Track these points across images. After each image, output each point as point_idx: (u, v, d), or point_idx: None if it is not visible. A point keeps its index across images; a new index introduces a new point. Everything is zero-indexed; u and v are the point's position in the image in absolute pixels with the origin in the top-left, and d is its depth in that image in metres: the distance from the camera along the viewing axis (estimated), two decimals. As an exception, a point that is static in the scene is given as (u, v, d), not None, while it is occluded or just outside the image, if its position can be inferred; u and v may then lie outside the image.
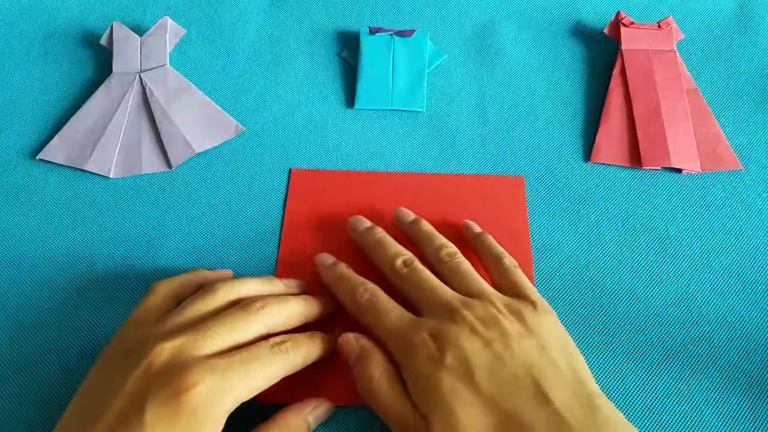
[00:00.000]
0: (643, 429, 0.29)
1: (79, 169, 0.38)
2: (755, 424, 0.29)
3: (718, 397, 0.30)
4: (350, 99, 0.42)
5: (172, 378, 0.23)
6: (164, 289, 0.30)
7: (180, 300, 0.30)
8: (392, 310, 0.29)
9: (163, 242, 0.35)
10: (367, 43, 0.43)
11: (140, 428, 0.22)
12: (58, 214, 0.37)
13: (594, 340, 0.32)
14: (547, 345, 0.26)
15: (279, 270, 0.34)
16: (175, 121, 0.39)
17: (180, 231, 0.36)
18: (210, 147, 0.39)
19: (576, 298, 0.33)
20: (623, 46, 0.42)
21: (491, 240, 0.33)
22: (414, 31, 0.44)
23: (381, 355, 0.28)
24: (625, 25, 0.43)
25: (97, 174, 0.38)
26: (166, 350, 0.24)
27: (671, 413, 0.29)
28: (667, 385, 0.30)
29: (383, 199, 0.37)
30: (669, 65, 0.41)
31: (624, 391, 0.30)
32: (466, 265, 0.31)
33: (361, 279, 0.31)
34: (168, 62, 0.42)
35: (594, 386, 0.26)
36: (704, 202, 0.37)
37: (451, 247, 0.32)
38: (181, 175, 0.38)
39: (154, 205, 0.37)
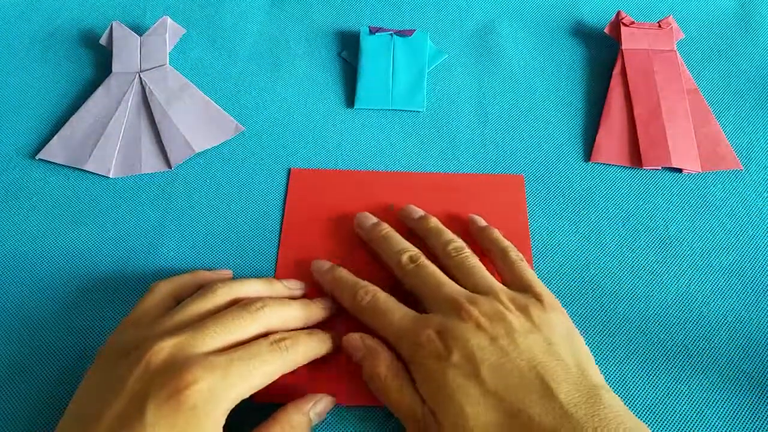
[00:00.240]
0: (644, 429, 0.29)
1: (79, 169, 0.38)
2: (755, 424, 0.29)
3: (718, 397, 0.30)
4: (350, 99, 0.42)
5: (172, 376, 0.23)
6: (163, 290, 0.30)
7: (179, 300, 0.30)
8: (395, 310, 0.29)
9: (163, 242, 0.35)
10: (367, 43, 0.43)
11: (141, 428, 0.22)
12: (58, 214, 0.37)
13: (594, 339, 0.32)
14: (553, 340, 0.26)
15: (279, 270, 0.34)
16: (174, 121, 0.39)
17: (180, 231, 0.36)
18: (210, 147, 0.39)
19: (576, 297, 0.33)
20: (623, 46, 0.42)
21: (497, 234, 0.33)
22: (414, 30, 0.44)
23: (387, 353, 0.28)
24: (625, 25, 0.43)
25: (97, 174, 0.38)
26: (164, 349, 0.24)
27: (672, 413, 0.29)
28: (668, 385, 0.30)
29: (383, 199, 0.37)
30: (669, 65, 0.41)
31: (624, 391, 0.30)
32: (473, 260, 0.31)
33: (361, 281, 0.31)
34: (168, 62, 0.42)
35: (600, 380, 0.26)
36: (704, 202, 0.37)
37: (459, 242, 0.32)
38: (181, 175, 0.38)
39: (154, 205, 0.37)
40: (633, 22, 0.43)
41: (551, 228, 0.36)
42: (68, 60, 0.44)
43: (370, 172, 0.38)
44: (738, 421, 0.29)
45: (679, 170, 0.38)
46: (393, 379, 0.27)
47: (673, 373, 0.31)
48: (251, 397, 0.26)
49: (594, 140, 0.39)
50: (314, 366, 0.29)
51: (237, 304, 0.28)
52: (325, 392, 0.29)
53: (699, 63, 0.43)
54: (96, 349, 0.28)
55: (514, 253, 0.31)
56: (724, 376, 0.30)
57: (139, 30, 0.44)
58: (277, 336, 0.27)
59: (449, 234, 0.32)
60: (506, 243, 0.32)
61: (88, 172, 0.38)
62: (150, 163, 0.38)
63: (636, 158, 0.38)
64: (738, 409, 0.30)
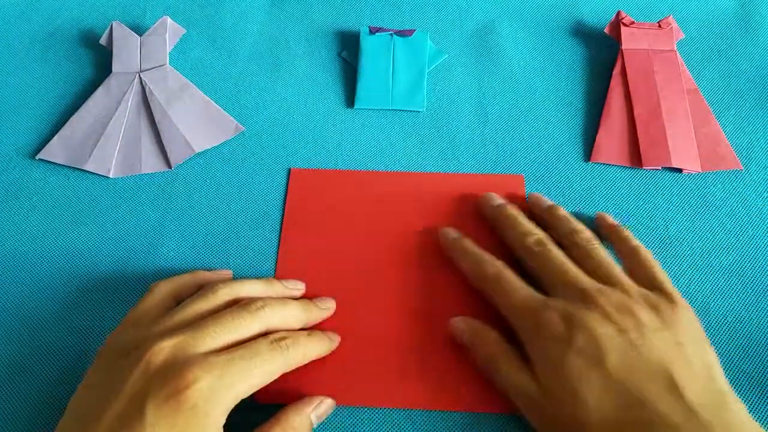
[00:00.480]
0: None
1: (79, 169, 0.38)
2: (755, 425, 0.29)
3: (718, 397, 0.30)
4: (350, 99, 0.42)
5: (172, 376, 0.23)
6: (163, 290, 0.30)
7: (179, 300, 0.30)
8: (520, 288, 0.29)
9: (163, 242, 0.35)
10: (367, 43, 0.43)
11: (141, 428, 0.22)
12: (58, 214, 0.37)
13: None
14: (683, 340, 0.26)
15: (279, 270, 0.34)
16: (175, 121, 0.39)
17: (180, 231, 0.36)
18: (210, 147, 0.39)
19: (576, 298, 0.33)
20: (623, 46, 0.42)
21: (627, 232, 0.33)
22: (414, 30, 0.44)
23: (493, 332, 0.29)
24: (625, 25, 0.43)
25: (97, 174, 0.38)
26: (164, 348, 0.24)
27: (671, 413, 0.29)
28: (668, 386, 0.30)
29: (383, 199, 0.37)
30: (669, 65, 0.41)
31: (624, 392, 0.30)
32: (602, 252, 0.31)
33: (487, 254, 0.31)
34: (168, 62, 0.42)
35: (727, 386, 0.26)
36: (704, 202, 0.37)
37: (588, 233, 0.32)
38: (181, 175, 0.38)
39: (154, 205, 0.37)
40: (633, 22, 0.43)
41: (551, 228, 0.36)
42: (68, 60, 0.44)
43: (370, 172, 0.38)
44: (738, 421, 0.29)
45: (679, 170, 0.38)
46: (504, 359, 0.28)
47: (673, 373, 0.31)
48: (252, 397, 0.26)
49: (594, 140, 0.39)
50: (315, 367, 0.29)
51: (237, 304, 0.28)
52: (325, 393, 0.29)
53: (699, 63, 0.43)
54: (96, 349, 0.28)
55: (644, 252, 0.31)
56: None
57: (139, 30, 0.44)
58: (277, 335, 0.27)
59: (577, 223, 0.32)
60: (637, 241, 0.32)
61: (88, 172, 0.38)
62: (150, 163, 0.38)
63: (636, 158, 0.38)
64: (738, 409, 0.29)
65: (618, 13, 0.43)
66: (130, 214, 0.37)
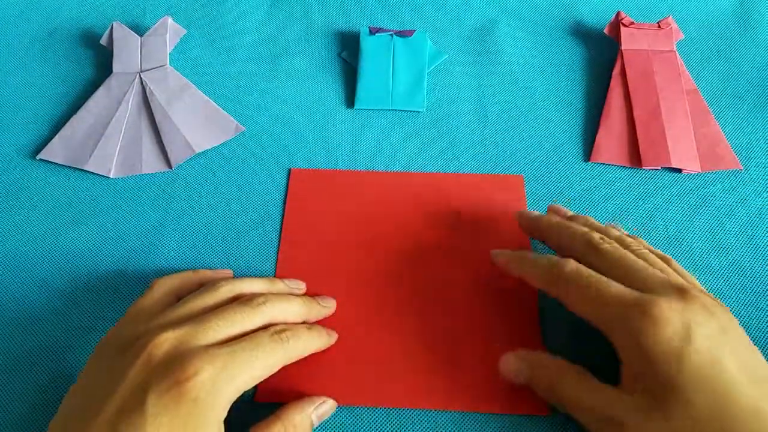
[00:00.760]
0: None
1: (79, 169, 0.38)
2: (755, 424, 0.29)
3: (717, 397, 0.30)
4: (350, 99, 0.42)
5: (173, 368, 0.23)
6: (165, 286, 0.30)
7: (180, 297, 0.30)
8: (608, 283, 0.26)
9: (163, 242, 0.35)
10: (367, 43, 0.43)
11: (142, 420, 0.22)
12: (58, 214, 0.37)
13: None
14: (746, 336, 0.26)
15: (279, 270, 0.34)
16: (175, 121, 0.39)
17: (180, 231, 0.36)
18: (210, 147, 0.39)
19: (576, 298, 0.33)
20: (623, 46, 0.42)
21: (652, 248, 0.31)
22: (414, 31, 0.44)
23: (550, 358, 0.27)
24: (624, 25, 0.43)
25: (97, 174, 0.38)
26: (167, 340, 0.25)
27: (671, 413, 0.29)
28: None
29: (383, 199, 0.37)
30: (669, 65, 0.41)
31: (624, 391, 0.30)
32: (652, 256, 0.29)
33: (555, 256, 0.29)
34: (168, 62, 0.42)
35: None
36: (704, 202, 0.37)
37: (634, 237, 0.31)
38: (181, 175, 0.38)
39: (154, 205, 0.37)
40: (632, 23, 0.43)
41: (551, 228, 0.36)
42: (68, 60, 0.44)
43: (370, 172, 0.38)
44: (737, 421, 0.29)
45: (679, 170, 0.38)
46: (574, 382, 0.26)
47: (672, 373, 0.31)
48: (253, 396, 0.26)
49: (594, 140, 0.39)
50: (315, 366, 0.30)
51: (239, 300, 0.28)
52: (325, 392, 0.29)
53: (698, 63, 0.43)
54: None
55: (675, 263, 0.30)
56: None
57: (139, 30, 0.44)
58: (278, 327, 0.27)
59: (622, 230, 0.32)
60: (664, 254, 0.30)
61: (88, 172, 0.38)
62: (150, 163, 0.38)
63: (636, 158, 0.38)
64: (737, 409, 0.30)
65: (617, 14, 0.43)
66: (130, 214, 0.37)
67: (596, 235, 0.29)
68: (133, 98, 0.41)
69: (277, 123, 0.41)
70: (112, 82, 0.41)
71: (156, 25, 0.43)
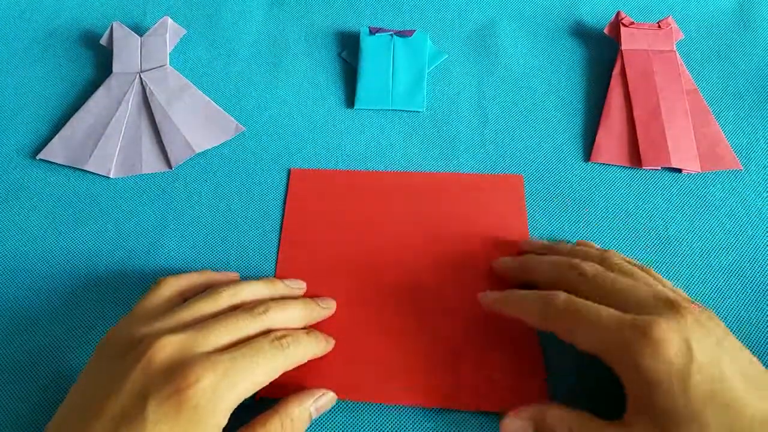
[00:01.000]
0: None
1: (79, 169, 0.38)
2: (755, 424, 0.29)
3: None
4: (350, 99, 0.42)
5: (174, 375, 0.23)
6: (172, 286, 0.30)
7: (185, 298, 0.30)
8: (599, 309, 0.26)
9: (163, 242, 0.35)
10: (367, 43, 0.43)
11: (142, 426, 0.22)
12: (58, 214, 0.37)
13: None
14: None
15: (279, 270, 0.34)
16: (175, 121, 0.39)
17: (180, 231, 0.36)
18: (210, 147, 0.39)
19: (576, 298, 0.33)
20: (623, 46, 0.42)
21: (627, 259, 0.31)
22: (414, 31, 0.44)
23: (552, 408, 0.26)
24: (624, 25, 0.43)
25: (97, 174, 0.38)
26: (167, 346, 0.25)
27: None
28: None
29: (383, 199, 0.37)
30: (669, 65, 0.41)
31: (624, 391, 0.30)
32: (636, 269, 0.29)
33: (542, 292, 0.28)
34: (168, 62, 0.42)
35: None
36: (704, 202, 0.37)
37: (606, 251, 0.31)
38: (181, 175, 0.38)
39: (154, 205, 0.37)
40: (632, 23, 0.43)
41: (551, 228, 0.36)
42: (68, 60, 0.44)
43: (370, 172, 0.38)
44: (737, 421, 0.29)
45: (679, 170, 0.38)
46: (583, 427, 0.25)
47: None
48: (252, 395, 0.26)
49: (594, 140, 0.39)
50: (315, 365, 0.30)
51: (240, 308, 0.28)
52: (324, 386, 0.29)
53: (698, 63, 0.43)
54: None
55: (654, 272, 0.30)
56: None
57: (139, 30, 0.44)
58: (278, 333, 0.27)
59: (598, 248, 0.32)
60: (643, 265, 0.30)
61: (88, 172, 0.38)
62: (150, 163, 0.38)
63: (636, 158, 0.38)
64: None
65: (617, 14, 0.43)
66: (130, 214, 0.37)
67: (583, 264, 0.29)
68: (133, 98, 0.41)
69: (277, 123, 0.41)
70: (112, 82, 0.41)
71: (156, 25, 0.43)
